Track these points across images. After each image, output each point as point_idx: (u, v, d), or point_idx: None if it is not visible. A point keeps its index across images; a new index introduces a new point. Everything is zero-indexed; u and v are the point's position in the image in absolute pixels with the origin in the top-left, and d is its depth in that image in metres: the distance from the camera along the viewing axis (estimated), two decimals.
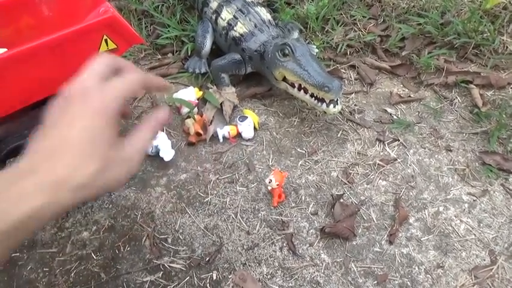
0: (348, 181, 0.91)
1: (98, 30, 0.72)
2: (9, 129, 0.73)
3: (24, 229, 0.40)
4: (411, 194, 0.89)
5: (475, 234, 0.82)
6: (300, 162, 0.94)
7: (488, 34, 1.16)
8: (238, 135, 0.98)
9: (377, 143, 0.98)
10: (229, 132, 0.97)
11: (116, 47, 0.76)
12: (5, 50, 0.79)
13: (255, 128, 0.99)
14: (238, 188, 0.90)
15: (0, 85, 0.68)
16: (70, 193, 0.41)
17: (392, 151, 0.96)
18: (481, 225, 0.84)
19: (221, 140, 0.97)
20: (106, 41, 0.74)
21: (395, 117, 1.04)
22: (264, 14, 1.09)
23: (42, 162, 0.42)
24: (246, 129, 0.97)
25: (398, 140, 0.98)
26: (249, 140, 0.99)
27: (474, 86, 1.08)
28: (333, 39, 1.20)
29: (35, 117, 0.75)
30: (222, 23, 1.08)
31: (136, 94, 0.44)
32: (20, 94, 0.72)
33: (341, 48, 1.18)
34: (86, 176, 0.42)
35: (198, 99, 1.05)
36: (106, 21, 0.72)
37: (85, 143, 0.42)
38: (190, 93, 1.05)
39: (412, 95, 1.09)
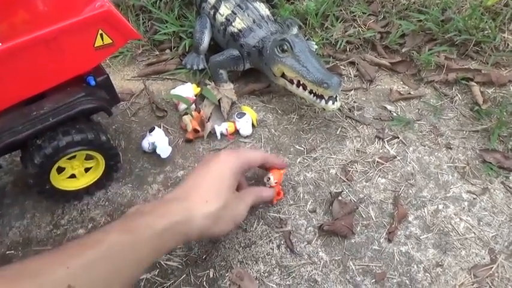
0: (346, 178, 0.90)
1: (93, 24, 0.71)
2: (3, 125, 0.72)
3: (162, 241, 0.57)
4: (410, 191, 0.88)
5: (474, 233, 0.81)
6: (298, 160, 0.93)
7: (490, 31, 1.15)
8: (236, 132, 0.97)
9: (376, 140, 0.97)
10: (227, 129, 0.96)
11: (111, 42, 0.75)
12: (0, 44, 0.78)
13: (253, 124, 0.98)
14: None
15: None
16: (200, 218, 0.60)
17: (392, 148, 0.96)
18: (481, 223, 0.83)
19: (219, 137, 0.97)
20: (101, 35, 0.73)
21: (395, 114, 1.03)
22: (263, 9, 1.07)
23: (183, 193, 0.63)
24: (244, 126, 0.96)
25: (398, 138, 0.97)
26: (247, 137, 0.98)
27: (475, 84, 1.07)
28: (332, 35, 1.19)
29: (28, 113, 0.74)
30: (220, 18, 1.07)
31: (257, 165, 0.77)
32: (14, 89, 0.71)
33: (340, 44, 1.17)
34: (212, 207, 0.61)
35: (195, 96, 1.04)
36: (101, 15, 0.71)
37: (214, 183, 0.64)
38: (188, 90, 1.04)
39: (412, 92, 1.08)
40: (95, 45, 0.74)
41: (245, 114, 0.97)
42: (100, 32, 0.72)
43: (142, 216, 0.58)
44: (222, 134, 0.97)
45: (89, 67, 0.77)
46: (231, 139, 0.97)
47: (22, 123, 0.72)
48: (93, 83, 0.79)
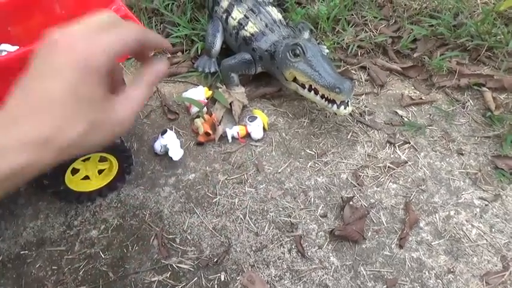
0: (357, 183, 0.90)
1: None
2: None
3: (5, 185, 0.36)
4: (422, 197, 0.88)
5: (486, 240, 0.81)
6: (309, 164, 0.94)
7: (502, 36, 1.15)
8: (248, 135, 0.98)
9: (387, 145, 0.97)
10: (238, 133, 0.96)
11: None
12: (17, 47, 0.80)
13: (264, 128, 0.98)
14: (247, 188, 0.89)
15: (13, 83, 0.68)
16: (53, 153, 0.37)
17: (403, 154, 0.95)
18: (493, 230, 0.82)
19: (230, 140, 0.97)
20: None
21: (406, 119, 1.03)
22: (275, 13, 1.08)
23: (25, 117, 0.37)
24: (256, 129, 0.96)
25: (409, 143, 0.97)
26: (258, 140, 0.98)
27: (487, 89, 1.07)
28: (343, 39, 1.19)
29: None
30: (232, 22, 1.08)
31: (131, 50, 0.40)
32: None
33: (352, 49, 1.17)
34: (71, 138, 0.37)
35: (207, 99, 1.05)
36: None
37: (69, 101, 0.37)
38: (199, 93, 1.04)
39: (423, 97, 1.08)
40: None
41: (256, 117, 0.98)
42: None
43: None
44: (233, 137, 0.97)
45: None
46: (242, 142, 0.97)
47: None
48: None
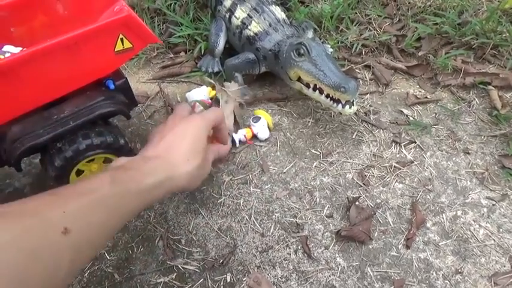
0: (363, 183, 0.89)
1: (114, 29, 0.71)
2: (24, 129, 0.72)
3: (150, 196, 0.60)
4: (428, 197, 0.87)
5: (494, 240, 0.80)
6: (314, 164, 0.93)
7: (507, 34, 1.14)
8: (254, 136, 0.97)
9: (393, 144, 0.97)
10: (245, 135, 0.95)
11: (131, 46, 0.75)
12: (20, 49, 0.79)
13: (269, 127, 0.98)
14: (252, 189, 0.89)
15: (16, 84, 0.68)
16: (182, 176, 0.64)
17: (409, 153, 0.95)
18: (501, 230, 0.82)
19: (238, 145, 0.96)
20: (122, 40, 0.74)
21: (411, 118, 1.02)
22: (279, 12, 1.07)
23: (164, 152, 0.65)
24: (261, 129, 0.96)
25: (415, 142, 0.96)
26: (262, 140, 0.97)
27: (493, 88, 1.06)
28: (347, 38, 1.18)
29: (49, 117, 0.75)
30: (236, 21, 1.07)
31: (219, 125, 0.77)
32: (36, 93, 0.71)
33: (356, 47, 1.17)
34: (192, 166, 0.65)
35: (211, 99, 1.05)
36: (122, 20, 0.71)
37: (192, 144, 0.67)
38: (203, 93, 1.04)
39: (428, 96, 1.07)
40: (115, 50, 0.74)
41: (260, 118, 0.97)
42: (121, 36, 0.73)
43: (128, 171, 0.60)
44: (240, 141, 0.96)
45: (108, 71, 0.78)
46: (250, 144, 0.96)
47: (43, 126, 0.73)
48: (112, 86, 0.80)
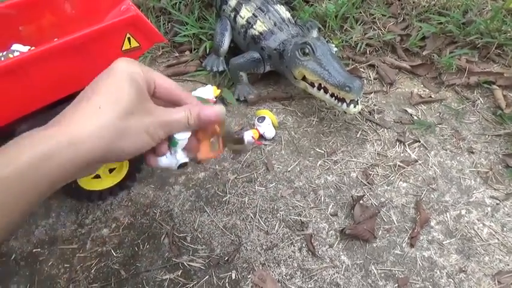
0: (367, 182, 0.90)
1: (122, 28, 0.72)
2: (32, 127, 0.73)
3: (41, 170, 0.40)
4: (432, 196, 0.87)
5: (498, 239, 0.81)
6: (319, 162, 0.94)
7: None
8: (260, 136, 0.97)
9: (397, 143, 0.97)
10: (253, 137, 0.96)
11: (138, 45, 0.76)
12: (28, 47, 0.80)
13: (274, 126, 0.98)
14: (256, 187, 0.90)
15: (25, 83, 0.69)
16: (88, 133, 0.42)
17: (413, 152, 0.95)
18: (505, 229, 0.82)
19: (250, 148, 0.96)
20: (129, 39, 0.74)
21: (415, 117, 1.02)
22: (284, 12, 1.08)
23: (70, 108, 0.44)
24: (267, 128, 0.96)
25: (419, 141, 0.97)
26: (269, 139, 0.98)
27: (497, 87, 1.06)
28: (352, 38, 1.19)
29: (56, 115, 0.76)
30: (241, 21, 1.08)
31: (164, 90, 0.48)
32: (44, 92, 0.72)
33: (360, 47, 1.17)
34: (107, 115, 0.43)
35: (216, 98, 1.05)
36: (130, 20, 0.71)
37: (112, 90, 0.44)
38: (208, 92, 1.04)
39: (432, 96, 1.07)
40: (123, 49, 0.75)
41: (265, 117, 0.97)
42: (128, 36, 0.73)
43: (7, 147, 0.41)
44: (249, 143, 0.96)
45: None
46: (260, 144, 0.97)
47: None
48: None
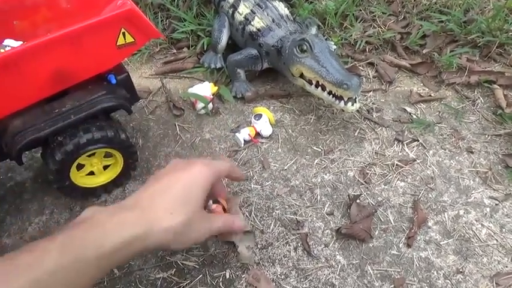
0: (364, 181, 0.89)
1: (116, 23, 0.71)
2: (25, 122, 0.72)
3: (115, 259, 0.48)
4: (430, 196, 0.86)
5: (496, 240, 0.79)
6: (315, 161, 0.93)
7: None
8: (257, 134, 0.96)
9: (395, 142, 0.96)
10: (249, 134, 0.95)
11: (133, 40, 0.75)
12: (21, 43, 0.79)
13: (270, 124, 0.97)
14: (252, 185, 0.89)
15: (18, 78, 0.68)
16: (160, 232, 0.51)
17: (411, 151, 0.94)
18: (504, 230, 0.81)
19: (242, 145, 0.95)
20: (124, 34, 0.73)
21: (414, 116, 1.01)
22: (282, 8, 1.07)
23: (145, 201, 0.53)
24: (264, 126, 0.95)
25: (418, 141, 0.96)
26: (266, 137, 0.97)
27: (498, 87, 1.05)
28: (351, 35, 1.17)
29: (50, 111, 0.75)
30: (239, 17, 1.07)
31: (224, 176, 0.66)
32: (37, 87, 0.71)
33: (360, 45, 1.16)
34: (177, 220, 0.52)
35: (213, 95, 1.04)
36: (124, 14, 0.71)
37: (183, 194, 0.55)
38: (205, 88, 1.03)
39: (432, 94, 1.06)
40: (117, 44, 0.74)
41: (262, 115, 0.96)
42: (123, 30, 0.73)
43: (93, 228, 0.48)
44: (245, 140, 0.95)
45: (110, 65, 0.78)
46: (256, 142, 0.96)
47: (44, 120, 0.73)
48: (114, 81, 0.80)
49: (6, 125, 0.73)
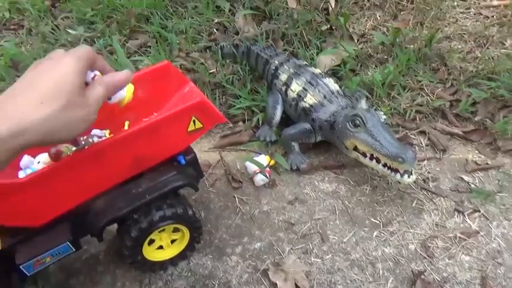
0: (427, 255, 0.87)
1: (189, 112, 0.79)
2: (107, 203, 0.80)
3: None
4: (499, 271, 0.83)
5: None
6: (374, 233, 0.93)
7: None
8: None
9: (456, 213, 0.95)
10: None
11: (202, 126, 0.83)
12: (105, 131, 0.89)
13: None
14: (312, 259, 0.90)
15: (104, 164, 0.76)
16: (34, 123, 0.49)
17: (474, 223, 0.92)
18: None
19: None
20: (194, 121, 0.81)
21: (473, 185, 1.00)
22: (333, 84, 1.13)
23: (13, 94, 0.51)
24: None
25: (479, 211, 0.94)
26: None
27: None
28: (400, 104, 1.21)
29: (128, 191, 0.83)
30: (292, 94, 1.14)
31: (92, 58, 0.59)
32: (118, 172, 0.79)
33: (409, 114, 1.19)
34: (52, 109, 0.50)
35: (270, 168, 1.09)
36: (196, 105, 0.79)
37: (54, 84, 0.52)
38: (262, 161, 1.09)
39: (489, 162, 1.05)
40: (188, 130, 0.82)
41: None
42: (193, 118, 0.81)
43: None
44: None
45: (181, 149, 0.85)
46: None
47: (123, 200, 0.80)
48: (183, 161, 0.87)
49: (90, 205, 0.81)
